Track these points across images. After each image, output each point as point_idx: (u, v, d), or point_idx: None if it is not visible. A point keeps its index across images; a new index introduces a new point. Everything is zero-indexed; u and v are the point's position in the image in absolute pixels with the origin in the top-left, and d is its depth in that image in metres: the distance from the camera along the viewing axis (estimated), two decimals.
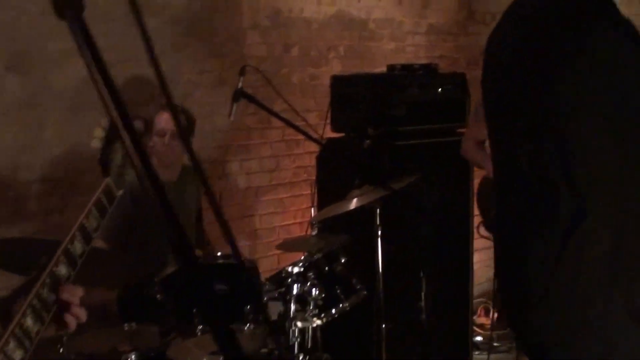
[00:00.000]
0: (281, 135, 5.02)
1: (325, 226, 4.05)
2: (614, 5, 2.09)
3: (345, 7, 5.47)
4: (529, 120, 2.07)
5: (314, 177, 4.78)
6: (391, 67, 4.92)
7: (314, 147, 4.63)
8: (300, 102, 4.99)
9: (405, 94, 4.69)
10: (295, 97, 4.99)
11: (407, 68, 4.90)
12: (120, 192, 1.90)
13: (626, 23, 2.03)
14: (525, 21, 2.10)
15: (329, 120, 4.68)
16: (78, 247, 1.73)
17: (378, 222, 3.88)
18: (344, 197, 3.88)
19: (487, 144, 2.75)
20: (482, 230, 4.02)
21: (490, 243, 4.46)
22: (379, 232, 3.87)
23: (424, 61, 5.64)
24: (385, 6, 5.75)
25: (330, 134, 4.70)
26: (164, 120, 3.76)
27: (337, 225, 4.04)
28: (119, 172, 1.97)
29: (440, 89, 4.82)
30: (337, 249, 3.73)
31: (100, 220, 1.81)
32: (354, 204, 3.73)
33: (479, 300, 5.78)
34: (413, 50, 5.93)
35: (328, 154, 4.61)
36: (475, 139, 3.93)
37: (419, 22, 5.98)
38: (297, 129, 4.36)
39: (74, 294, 1.69)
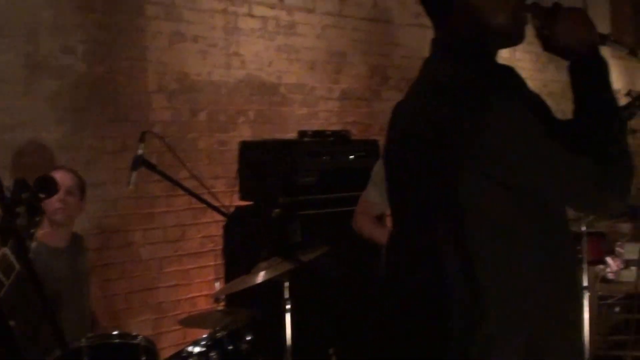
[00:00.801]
0: (187, 204, 4.85)
1: (232, 300, 3.90)
2: (516, 76, 2.12)
3: (256, 71, 5.39)
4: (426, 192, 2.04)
5: (220, 248, 4.63)
6: (302, 133, 4.84)
7: (222, 216, 4.49)
8: (207, 169, 4.87)
9: (316, 161, 4.60)
10: (202, 164, 4.87)
11: (318, 134, 4.84)
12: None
13: (529, 95, 2.07)
14: (424, 95, 2.06)
15: (237, 188, 4.57)
16: None
17: (286, 296, 3.74)
18: (252, 268, 3.74)
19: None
20: None
21: None
22: (288, 307, 3.73)
23: (336, 127, 5.61)
24: (297, 71, 5.69)
25: (238, 202, 4.57)
26: (58, 176, 3.59)
27: (244, 298, 3.89)
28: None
29: (352, 156, 4.76)
30: (242, 326, 3.57)
31: None
32: (260, 277, 3.59)
33: None
34: (325, 116, 5.87)
35: (235, 223, 4.48)
36: (369, 213, 3.89)
37: (331, 87, 5.94)
38: (199, 198, 4.18)
39: None
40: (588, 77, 2.04)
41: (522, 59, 7.76)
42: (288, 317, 3.73)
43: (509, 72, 2.13)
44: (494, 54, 2.11)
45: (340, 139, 4.82)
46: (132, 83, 4.67)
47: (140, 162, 3.72)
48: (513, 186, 1.93)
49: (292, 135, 5.23)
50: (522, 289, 1.98)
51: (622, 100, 4.65)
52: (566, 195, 2.00)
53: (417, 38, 6.46)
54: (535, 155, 1.92)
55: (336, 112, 5.97)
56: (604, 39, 2.06)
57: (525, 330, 1.97)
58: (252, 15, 5.38)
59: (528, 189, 1.95)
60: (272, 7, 5.53)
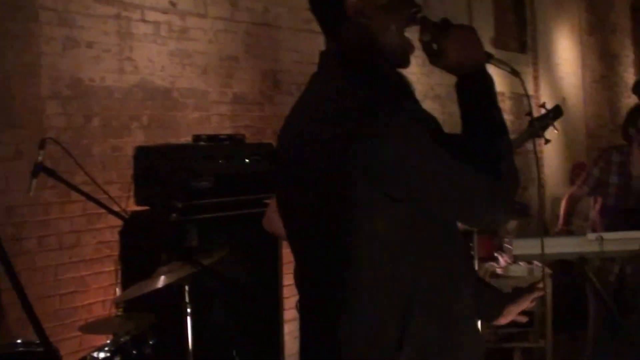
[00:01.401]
0: (82, 210, 4.85)
1: (131, 305, 3.93)
2: (407, 88, 2.17)
3: (149, 75, 5.41)
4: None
5: (117, 254, 4.64)
6: (197, 138, 4.88)
7: (118, 222, 4.49)
8: (102, 175, 4.86)
9: (212, 165, 4.65)
10: (96, 170, 4.85)
11: (213, 138, 4.88)
12: None
13: (419, 108, 2.11)
14: (312, 113, 2.09)
15: (132, 193, 4.59)
16: None
17: (187, 300, 3.80)
18: (150, 273, 3.78)
19: None
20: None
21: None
22: (189, 310, 3.79)
23: (229, 131, 5.68)
24: (190, 75, 5.74)
25: (134, 207, 4.60)
26: None
27: (144, 304, 3.93)
28: None
29: (247, 160, 4.83)
30: (145, 330, 3.62)
31: None
32: (161, 282, 3.64)
33: None
34: (218, 120, 5.93)
35: (132, 228, 4.50)
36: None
37: (224, 91, 6.01)
38: (97, 202, 4.20)
39: None
40: (475, 93, 2.11)
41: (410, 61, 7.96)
42: (189, 320, 3.80)
43: (401, 84, 2.16)
44: (384, 68, 2.13)
45: (235, 142, 4.89)
46: (26, 89, 4.64)
47: (40, 169, 3.72)
48: (404, 200, 1.96)
49: (186, 139, 5.28)
50: (417, 300, 2.02)
51: (537, 112, 4.93)
52: (456, 210, 2.05)
53: (308, 43, 6.59)
54: (426, 170, 1.96)
55: (229, 116, 6.04)
56: (489, 57, 2.15)
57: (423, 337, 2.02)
58: (144, 21, 5.40)
59: (418, 204, 1.98)
60: (164, 12, 5.55)
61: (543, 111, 4.41)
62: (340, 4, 2.07)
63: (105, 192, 4.10)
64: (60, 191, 4.66)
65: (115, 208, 4.11)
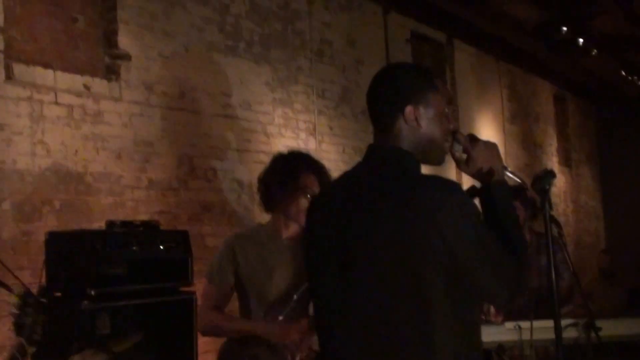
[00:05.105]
0: None
1: None
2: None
3: (62, 159, 5.56)
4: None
5: None
6: (110, 223, 4.96)
7: None
8: (12, 260, 4.93)
9: (125, 251, 4.75)
10: (6, 254, 4.93)
11: (127, 224, 4.97)
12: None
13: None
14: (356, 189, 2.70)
15: (44, 279, 4.67)
16: None
17: None
18: None
19: None
20: None
21: None
22: None
23: (144, 216, 5.80)
24: (104, 160, 5.90)
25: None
26: None
27: None
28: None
29: (162, 247, 4.96)
30: None
31: None
32: None
33: None
34: (133, 205, 6.08)
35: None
36: (213, 305, 4.15)
37: (139, 176, 6.17)
38: (8, 289, 4.30)
39: None
40: (498, 196, 2.72)
41: (328, 150, 8.29)
42: None
43: None
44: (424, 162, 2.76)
45: (149, 229, 5.01)
46: None
47: None
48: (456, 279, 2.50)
49: (99, 224, 5.40)
50: None
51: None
52: (490, 284, 2.58)
53: (224, 128, 6.84)
54: (483, 253, 2.52)
55: (144, 201, 6.19)
56: (504, 169, 2.79)
57: None
58: (58, 103, 5.58)
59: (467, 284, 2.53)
60: (78, 95, 5.74)
61: None
62: (401, 109, 2.70)
63: (16, 278, 4.20)
64: None
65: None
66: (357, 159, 8.06)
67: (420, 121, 2.71)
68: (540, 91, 14.91)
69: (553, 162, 14.96)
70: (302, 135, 8.06)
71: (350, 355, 2.65)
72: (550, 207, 2.81)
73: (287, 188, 4.04)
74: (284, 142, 7.66)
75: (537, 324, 4.67)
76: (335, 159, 8.31)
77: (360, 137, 8.73)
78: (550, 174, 2.93)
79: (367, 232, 2.58)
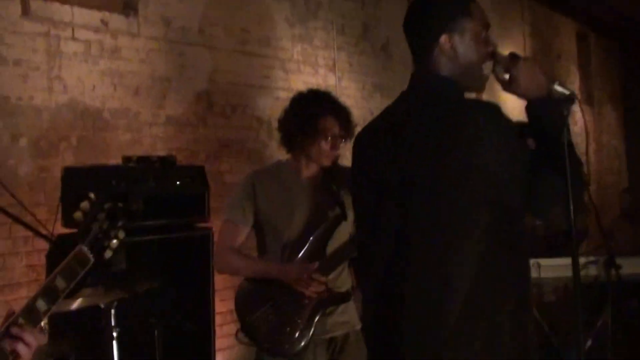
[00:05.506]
0: (7, 233, 4.94)
1: (56, 328, 4.00)
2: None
3: (79, 95, 5.52)
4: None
5: (44, 277, 4.72)
6: (127, 159, 4.97)
7: (45, 245, 4.59)
8: (28, 196, 4.94)
9: (142, 187, 4.75)
10: (23, 191, 4.94)
11: (143, 160, 4.98)
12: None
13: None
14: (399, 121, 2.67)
15: (60, 215, 4.68)
16: (42, 305, 2.18)
17: (114, 324, 3.90)
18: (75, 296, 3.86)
19: None
20: (241, 336, 4.09)
21: (231, 341, 4.61)
22: (114, 335, 3.89)
23: (161, 153, 5.77)
24: (121, 96, 5.86)
25: (61, 229, 4.68)
26: None
27: (69, 327, 4.02)
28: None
29: (178, 182, 4.94)
30: (68, 354, 3.71)
31: (70, 281, 2.25)
32: (79, 303, 3.70)
33: None
34: (150, 142, 6.05)
35: (59, 251, 4.55)
36: (233, 246, 4.09)
37: (156, 113, 6.13)
38: (24, 224, 4.30)
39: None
40: (543, 113, 2.66)
41: (348, 87, 8.21)
42: (115, 345, 3.90)
43: None
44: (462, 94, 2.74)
45: (165, 164, 4.99)
46: None
47: None
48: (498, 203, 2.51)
49: (116, 162, 5.37)
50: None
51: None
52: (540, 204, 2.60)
53: (242, 65, 6.77)
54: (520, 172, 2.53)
55: (161, 137, 6.16)
56: (552, 83, 2.70)
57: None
58: (75, 39, 5.52)
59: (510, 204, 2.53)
60: (95, 30, 5.69)
61: None
62: (436, 39, 2.69)
63: (32, 214, 4.19)
64: None
65: (42, 231, 4.21)
66: (377, 95, 7.98)
67: (456, 49, 2.71)
68: (563, 29, 14.70)
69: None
70: (322, 71, 7.97)
71: (392, 283, 2.63)
72: (569, 134, 2.71)
73: (307, 132, 3.98)
74: (303, 78, 7.59)
75: (557, 261, 4.63)
76: (355, 96, 8.22)
77: (380, 73, 8.66)
78: (570, 99, 2.81)
79: (414, 160, 2.58)
